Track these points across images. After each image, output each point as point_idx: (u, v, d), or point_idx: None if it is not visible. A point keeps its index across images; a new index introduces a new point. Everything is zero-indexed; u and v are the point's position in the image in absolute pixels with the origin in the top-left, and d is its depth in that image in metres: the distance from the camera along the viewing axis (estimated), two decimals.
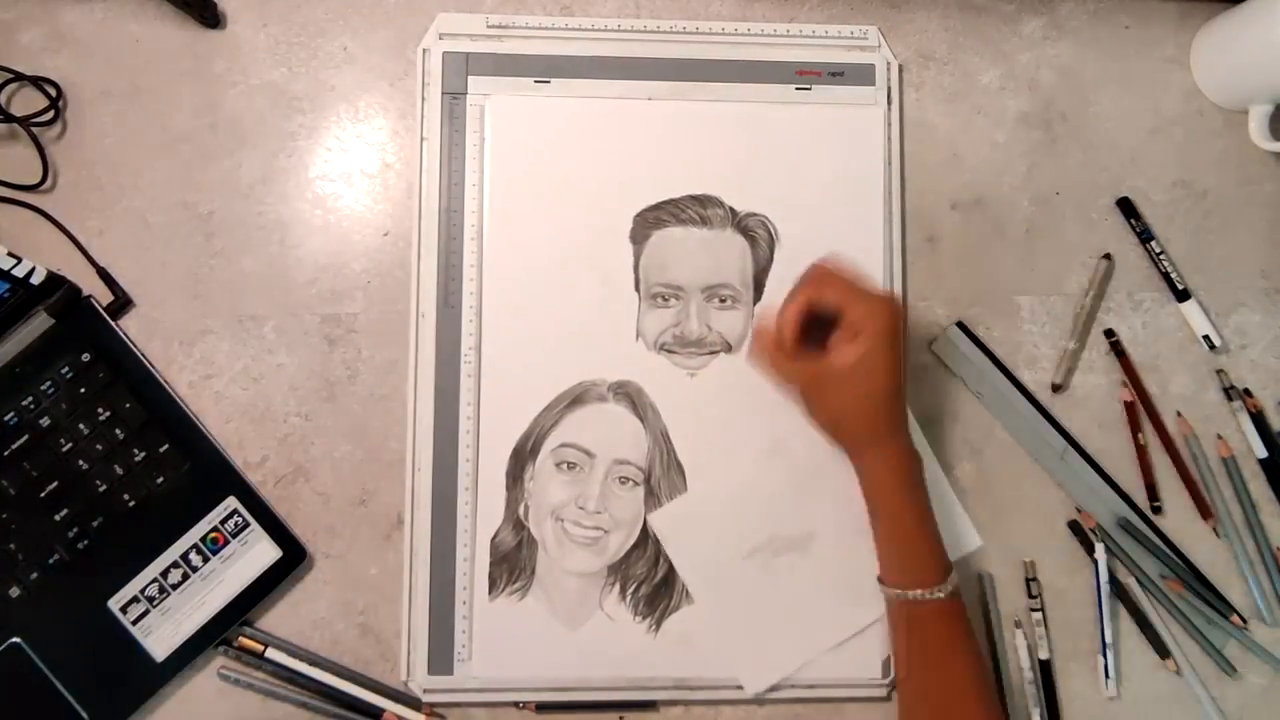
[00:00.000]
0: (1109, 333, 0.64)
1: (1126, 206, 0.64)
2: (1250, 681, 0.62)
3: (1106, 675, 0.60)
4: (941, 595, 0.52)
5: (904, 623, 0.54)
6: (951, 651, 0.53)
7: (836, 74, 0.64)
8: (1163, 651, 0.61)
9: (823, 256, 0.55)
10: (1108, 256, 0.63)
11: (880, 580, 0.55)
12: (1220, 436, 0.63)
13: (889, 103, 0.64)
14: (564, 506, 0.59)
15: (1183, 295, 0.64)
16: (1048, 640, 0.61)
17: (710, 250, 0.62)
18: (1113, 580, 0.61)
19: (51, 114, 0.61)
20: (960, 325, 0.63)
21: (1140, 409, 0.63)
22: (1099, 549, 0.61)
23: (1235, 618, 0.61)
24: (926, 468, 0.57)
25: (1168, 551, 0.61)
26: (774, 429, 0.60)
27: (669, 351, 0.61)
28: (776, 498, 0.60)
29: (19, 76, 0.60)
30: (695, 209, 0.62)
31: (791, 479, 0.60)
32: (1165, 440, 0.63)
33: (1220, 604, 0.61)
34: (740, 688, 0.59)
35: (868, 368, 0.52)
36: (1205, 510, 0.62)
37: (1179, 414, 0.63)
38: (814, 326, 0.54)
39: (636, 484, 0.60)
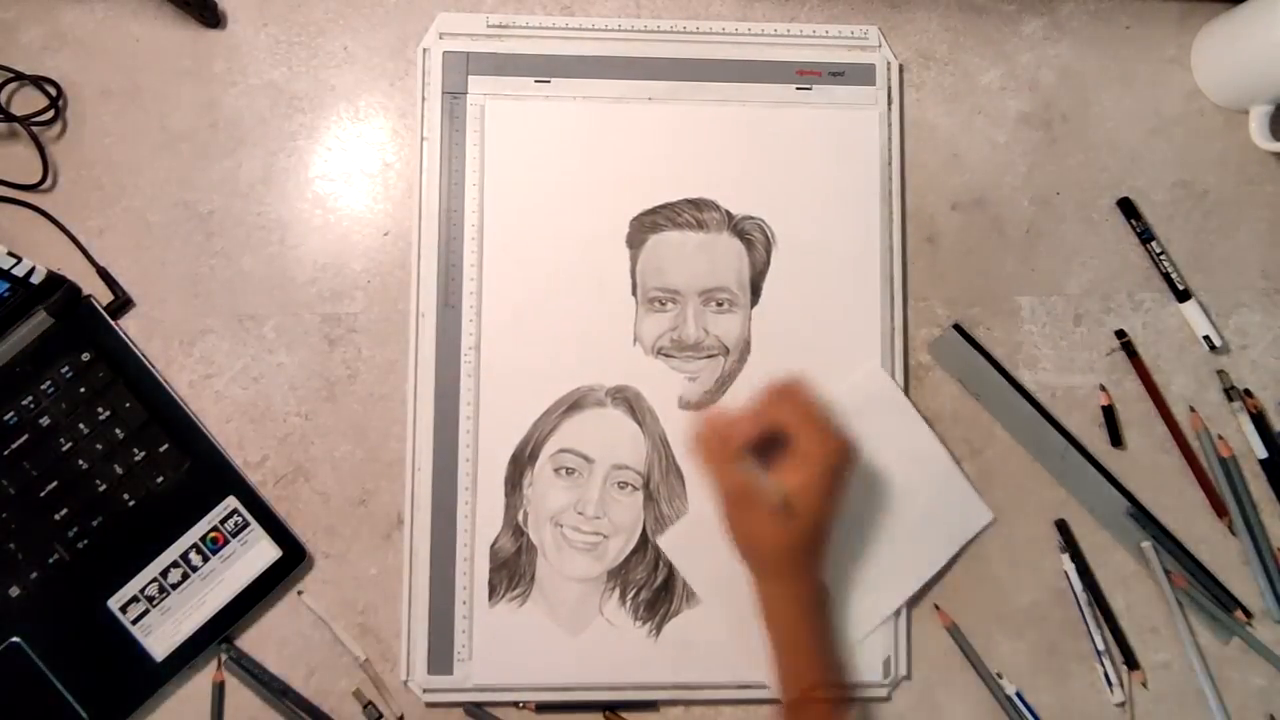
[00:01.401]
0: (1120, 333, 0.63)
1: (1127, 207, 0.64)
2: (1251, 682, 0.62)
3: (1109, 683, 0.60)
4: None
5: None
6: None
7: (837, 74, 0.64)
8: (1133, 662, 0.61)
9: (790, 375, 0.54)
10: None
11: (778, 700, 0.54)
12: (1221, 437, 0.63)
13: (889, 103, 0.64)
14: (563, 512, 0.59)
15: (1183, 296, 0.64)
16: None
17: (707, 254, 0.62)
18: (1095, 589, 0.61)
19: (51, 114, 0.61)
20: (957, 327, 0.63)
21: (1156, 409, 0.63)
22: (1064, 559, 0.61)
23: (1239, 613, 0.61)
24: (935, 458, 0.58)
25: (1174, 546, 0.62)
26: None
27: (666, 355, 0.61)
28: None
29: (19, 76, 0.60)
30: (691, 213, 0.62)
31: None
32: (1178, 438, 0.63)
33: (1225, 598, 0.61)
34: (743, 687, 0.59)
35: (803, 503, 0.51)
36: (1220, 509, 0.62)
37: (1192, 409, 0.63)
38: (763, 442, 0.52)
39: (636, 489, 0.60)
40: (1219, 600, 0.61)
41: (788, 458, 0.51)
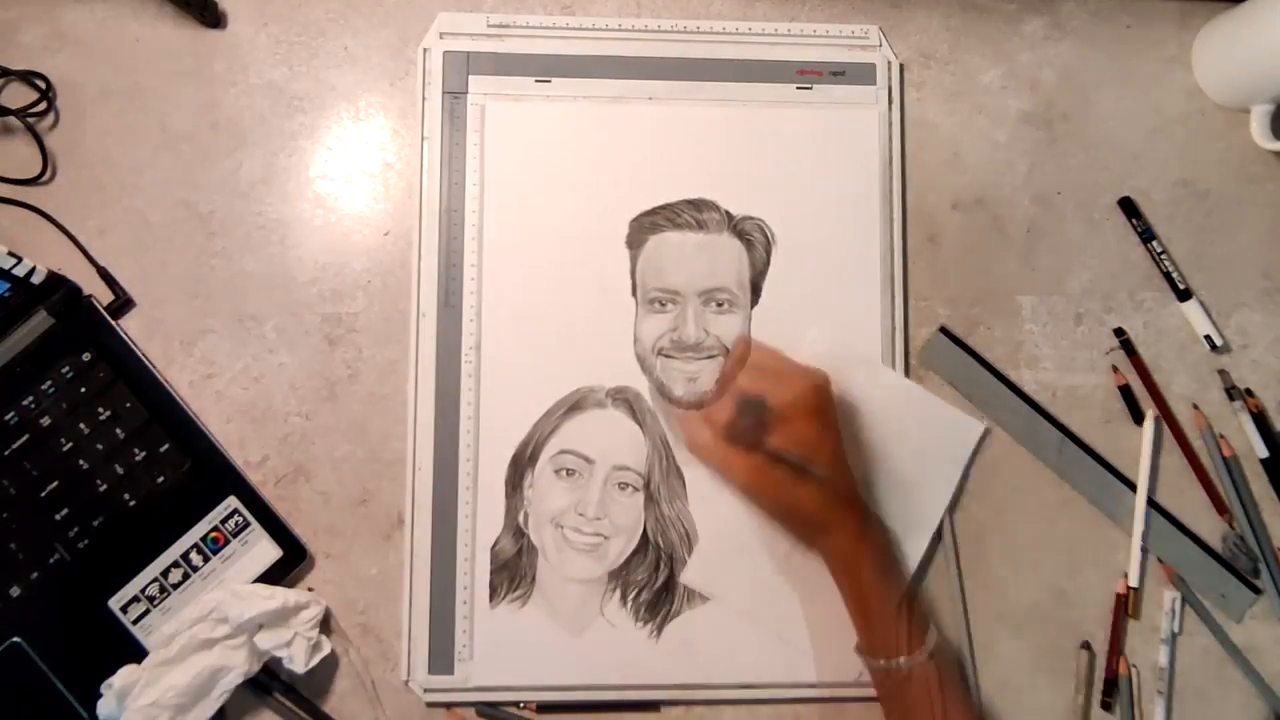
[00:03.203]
0: (1119, 331, 0.63)
1: (1128, 206, 0.64)
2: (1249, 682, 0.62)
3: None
4: (922, 659, 0.52)
5: (889, 690, 0.54)
6: (941, 713, 0.52)
7: (837, 73, 0.64)
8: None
9: (744, 338, 0.56)
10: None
11: (858, 651, 0.55)
12: (1222, 436, 0.63)
13: (890, 102, 0.64)
14: (564, 513, 0.59)
15: (1184, 295, 0.64)
16: None
17: (707, 254, 0.62)
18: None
19: (44, 105, 0.60)
20: (944, 330, 0.63)
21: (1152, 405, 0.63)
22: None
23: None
24: (910, 394, 0.59)
25: (1177, 531, 0.62)
26: None
27: (666, 356, 0.61)
28: None
29: (6, 72, 0.60)
30: (691, 213, 0.62)
31: None
32: (1179, 437, 0.63)
33: (1237, 574, 0.61)
34: (744, 687, 0.59)
35: (808, 452, 0.52)
36: (1221, 508, 0.62)
37: (1195, 406, 0.63)
38: (745, 415, 0.53)
39: (636, 490, 0.60)
40: (1229, 579, 0.61)
41: (773, 418, 0.52)
